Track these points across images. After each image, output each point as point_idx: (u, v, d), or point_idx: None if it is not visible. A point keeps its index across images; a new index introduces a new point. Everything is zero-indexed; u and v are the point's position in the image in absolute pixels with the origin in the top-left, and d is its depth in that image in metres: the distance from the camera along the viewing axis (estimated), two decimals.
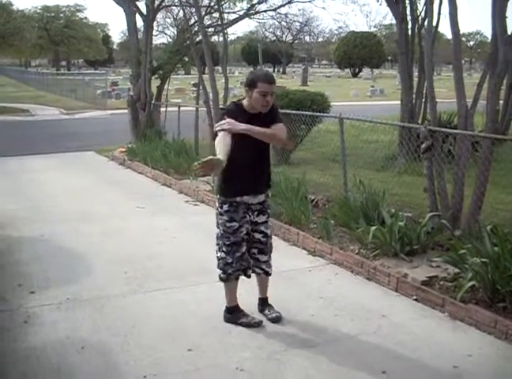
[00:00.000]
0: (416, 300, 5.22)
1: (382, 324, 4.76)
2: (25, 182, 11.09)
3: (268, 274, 4.82)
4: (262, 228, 4.68)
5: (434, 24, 8.28)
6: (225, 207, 4.56)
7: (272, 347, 4.37)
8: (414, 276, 5.43)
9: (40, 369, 4.08)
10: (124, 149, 13.80)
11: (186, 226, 7.82)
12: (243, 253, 4.59)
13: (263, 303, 4.96)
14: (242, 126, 4.30)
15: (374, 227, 6.14)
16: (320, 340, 4.50)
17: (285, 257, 6.41)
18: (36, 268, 6.14)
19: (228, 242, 4.56)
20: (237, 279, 4.70)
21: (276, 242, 6.84)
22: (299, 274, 6.00)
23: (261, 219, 4.67)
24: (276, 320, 4.78)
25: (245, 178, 4.50)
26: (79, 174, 12.00)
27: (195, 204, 9.12)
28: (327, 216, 7.06)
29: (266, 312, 4.88)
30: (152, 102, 14.60)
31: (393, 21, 12.53)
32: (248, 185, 4.55)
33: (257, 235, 4.67)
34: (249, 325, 4.66)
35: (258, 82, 4.36)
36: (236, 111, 4.46)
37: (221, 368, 4.09)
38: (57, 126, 22.27)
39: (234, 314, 4.75)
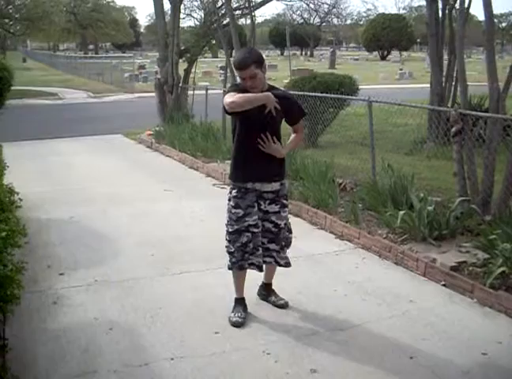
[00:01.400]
0: (444, 285, 5.17)
1: (410, 309, 4.73)
2: (54, 165, 11.19)
3: (278, 264, 4.64)
4: (273, 218, 4.47)
5: (466, 5, 8.11)
6: (234, 192, 4.44)
7: (299, 331, 4.37)
8: (443, 261, 5.37)
9: (69, 349, 4.13)
10: (151, 132, 13.85)
11: (213, 209, 7.82)
12: (244, 244, 4.38)
13: (267, 289, 4.84)
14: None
15: (402, 212, 6.08)
16: (348, 324, 4.48)
17: (312, 240, 6.38)
18: (65, 250, 6.21)
19: (231, 230, 4.43)
20: (241, 269, 4.50)
21: (303, 225, 6.88)
22: (327, 258, 5.97)
23: (273, 208, 4.47)
24: (284, 306, 4.70)
25: (256, 164, 4.35)
26: (107, 157, 12.07)
27: (222, 187, 9.10)
28: (355, 200, 7.02)
29: (273, 298, 4.78)
30: (180, 85, 14.59)
31: (423, 3, 12.35)
32: (260, 172, 4.37)
33: (268, 225, 4.48)
34: (229, 320, 4.48)
35: (235, 70, 4.31)
36: (241, 88, 4.27)
37: (248, 351, 4.09)
38: (85, 109, 22.43)
39: (234, 304, 4.62)
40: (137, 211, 7.73)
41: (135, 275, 5.49)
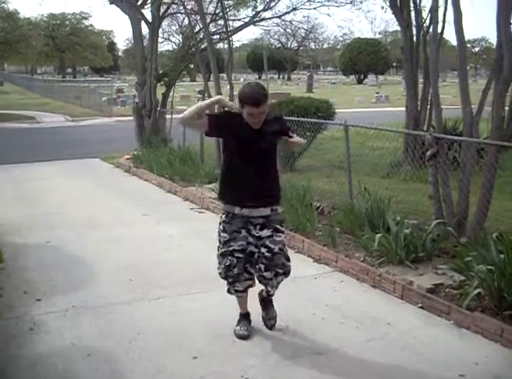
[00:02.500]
0: (421, 308, 5.21)
1: (388, 332, 4.76)
2: (31, 189, 11.12)
3: (268, 294, 4.72)
4: (267, 242, 4.40)
5: (439, 30, 8.28)
6: (223, 216, 4.48)
7: (278, 355, 4.37)
8: (419, 284, 5.42)
9: (46, 375, 4.09)
10: (129, 156, 13.84)
11: (191, 233, 7.82)
12: (228, 267, 4.43)
13: (263, 303, 4.84)
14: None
15: (379, 235, 6.14)
16: (326, 348, 4.49)
17: (291, 264, 6.39)
18: (42, 275, 6.15)
19: (218, 253, 4.51)
20: (229, 293, 4.66)
21: None
22: (305, 281, 5.99)
23: (266, 233, 4.40)
24: (269, 326, 4.76)
25: (246, 188, 4.34)
26: (84, 182, 12.02)
27: (200, 212, 9.12)
28: (332, 224, 7.06)
29: (263, 314, 4.82)
30: (158, 109, 14.64)
31: (398, 28, 12.56)
32: (249, 197, 4.34)
33: (263, 250, 4.41)
34: (234, 333, 4.63)
35: (246, 104, 4.19)
36: (236, 118, 4.30)
37: (226, 376, 4.08)
38: (62, 133, 22.35)
39: (238, 319, 4.73)
40: (114, 235, 7.70)
41: (113, 301, 5.46)
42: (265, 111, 4.28)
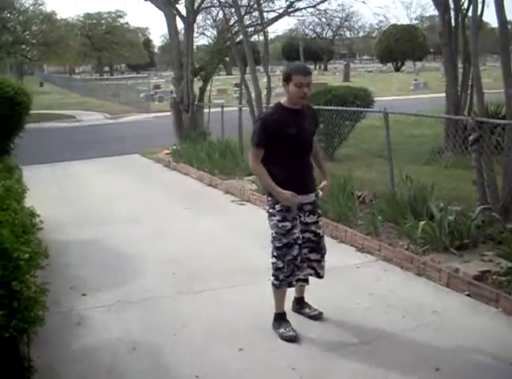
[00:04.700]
0: (468, 295, 5.11)
1: (434, 320, 4.69)
2: (73, 187, 11.28)
3: (319, 276, 4.70)
4: (313, 228, 4.57)
5: (479, 12, 8.09)
6: (277, 207, 4.43)
7: (324, 345, 4.34)
8: (465, 271, 5.32)
9: (93, 370, 4.14)
10: (169, 151, 13.92)
11: (232, 226, 7.82)
12: (295, 257, 4.41)
13: (300, 302, 4.88)
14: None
15: (423, 222, 6.05)
16: (372, 337, 4.44)
17: (333, 254, 6.31)
18: (87, 271, 6.23)
19: (280, 244, 4.42)
20: (290, 286, 4.55)
21: None
22: (348, 271, 5.94)
23: (312, 219, 4.56)
24: (318, 317, 4.75)
25: (296, 177, 4.44)
26: (125, 177, 12.14)
27: (241, 204, 9.12)
28: (374, 212, 6.99)
29: (307, 310, 4.82)
30: (195, 103, 14.68)
31: (435, 13, 12.33)
32: (300, 184, 4.45)
33: (308, 235, 4.55)
34: (282, 337, 4.45)
35: (293, 75, 4.34)
36: (274, 113, 4.47)
37: (273, 367, 4.07)
38: (102, 131, 22.62)
39: (277, 321, 4.59)
40: (156, 230, 7.76)
41: (157, 295, 5.50)
42: (311, 88, 4.44)
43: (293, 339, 4.40)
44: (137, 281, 5.91)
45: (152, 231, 7.69)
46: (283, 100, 4.50)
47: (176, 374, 4.03)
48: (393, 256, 6.08)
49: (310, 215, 4.56)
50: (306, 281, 4.63)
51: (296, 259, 4.43)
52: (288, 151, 4.40)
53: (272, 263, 4.49)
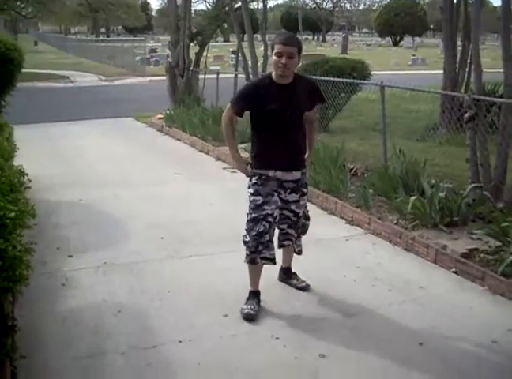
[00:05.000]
0: (455, 272, 5.12)
1: (420, 296, 4.70)
2: (64, 148, 11.19)
3: (295, 250, 4.70)
4: (293, 207, 4.41)
5: None
6: (254, 179, 4.33)
7: (309, 316, 4.35)
8: (453, 248, 5.32)
9: (78, 330, 4.13)
10: (162, 116, 13.82)
11: (223, 192, 7.80)
12: (260, 233, 4.23)
13: (287, 272, 4.82)
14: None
15: (413, 198, 6.03)
16: (357, 310, 4.45)
17: (323, 225, 6.35)
18: (74, 232, 6.21)
19: (249, 218, 4.29)
20: (252, 263, 4.35)
21: (313, 210, 6.79)
22: (337, 243, 5.94)
23: (293, 197, 4.40)
24: (306, 288, 4.71)
25: (278, 152, 4.27)
26: (117, 140, 12.05)
27: (233, 171, 9.06)
28: (366, 185, 6.97)
29: (294, 281, 4.78)
30: (191, 68, 14.54)
31: None
32: (281, 160, 4.29)
33: (287, 213, 4.43)
34: (240, 312, 4.32)
35: (275, 44, 4.14)
36: (260, 85, 4.31)
37: (257, 335, 4.08)
38: (96, 93, 22.42)
39: (247, 298, 4.46)
40: (147, 194, 7.73)
41: (144, 258, 5.49)
42: (294, 58, 4.14)
43: (248, 318, 4.27)
44: (125, 244, 5.89)
45: (143, 195, 7.65)
46: (273, 74, 4.27)
47: (160, 338, 4.03)
48: (382, 230, 6.08)
49: (292, 193, 4.39)
50: (271, 261, 4.37)
51: (261, 236, 4.25)
52: (269, 126, 4.26)
53: (242, 235, 4.37)
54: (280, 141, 4.27)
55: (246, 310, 4.33)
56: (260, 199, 4.28)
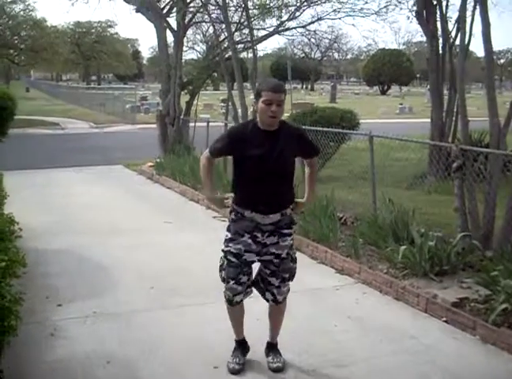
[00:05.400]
0: (445, 322, 5.12)
1: (412, 346, 4.68)
2: (54, 195, 11.17)
3: (277, 301, 4.27)
4: (273, 250, 4.12)
5: (466, 41, 8.18)
6: (232, 214, 4.19)
7: (300, 366, 4.31)
8: (444, 297, 5.32)
9: None
10: (152, 164, 13.87)
11: (213, 241, 7.75)
12: (221, 267, 4.17)
13: (270, 347, 4.43)
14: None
15: (403, 247, 6.06)
16: (350, 360, 4.42)
17: (313, 275, 6.35)
18: (64, 281, 6.16)
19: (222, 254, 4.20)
20: (232, 304, 4.22)
21: (304, 259, 6.83)
22: (327, 293, 5.93)
23: (272, 240, 4.11)
24: (277, 370, 4.24)
25: (257, 195, 4.05)
26: (107, 188, 12.06)
27: (223, 220, 9.06)
28: (355, 235, 6.99)
29: (269, 359, 4.34)
30: (181, 117, 14.67)
31: (422, 39, 12.47)
32: (260, 206, 4.05)
33: (268, 257, 4.14)
34: (227, 368, 4.23)
35: (263, 91, 3.95)
36: (243, 130, 4.14)
37: None
38: (86, 140, 22.51)
39: (233, 350, 4.36)
40: (136, 242, 7.70)
41: (134, 308, 5.44)
42: (282, 105, 4.00)
43: (233, 372, 4.18)
44: (115, 293, 5.85)
45: (132, 244, 7.63)
46: (259, 119, 4.11)
47: None
48: (372, 279, 6.08)
49: (271, 236, 4.10)
50: (235, 297, 4.19)
51: (221, 270, 4.19)
52: (249, 172, 4.05)
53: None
54: (260, 189, 4.04)
55: (232, 365, 4.24)
56: (228, 235, 4.18)
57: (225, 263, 4.16)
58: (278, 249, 4.14)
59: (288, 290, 4.31)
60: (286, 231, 4.17)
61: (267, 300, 4.32)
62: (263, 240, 4.11)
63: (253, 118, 4.30)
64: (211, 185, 4.45)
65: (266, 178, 4.03)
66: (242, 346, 4.39)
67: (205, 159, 4.30)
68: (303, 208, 4.48)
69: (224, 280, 4.20)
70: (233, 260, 4.11)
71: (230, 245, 4.13)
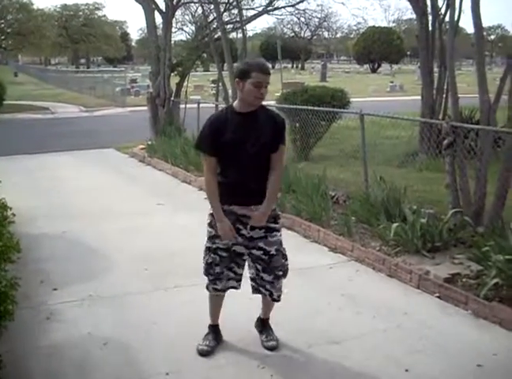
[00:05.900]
0: (438, 297, 5.17)
1: (405, 322, 4.73)
2: (45, 179, 11.15)
3: (272, 297, 4.22)
4: (261, 244, 4.05)
5: (456, 18, 8.17)
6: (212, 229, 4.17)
7: (294, 345, 4.35)
8: (436, 273, 5.38)
9: (63, 365, 4.10)
10: (144, 146, 13.84)
11: (205, 223, 7.80)
12: (210, 265, 4.18)
13: (262, 325, 4.45)
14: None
15: (395, 224, 6.11)
16: (343, 337, 4.47)
17: (306, 253, 6.39)
18: (58, 265, 6.18)
19: (204, 247, 4.23)
20: (207, 289, 4.30)
21: (296, 238, 6.88)
22: (320, 271, 5.97)
23: (258, 233, 4.04)
24: (271, 348, 4.26)
25: (236, 185, 3.99)
26: (99, 171, 12.04)
27: None
28: (348, 213, 7.03)
29: (263, 338, 4.37)
30: (172, 99, 14.62)
31: (412, 16, 12.44)
32: (238, 194, 4.00)
33: (256, 252, 4.08)
34: (197, 349, 4.24)
35: (253, 72, 3.79)
36: (221, 119, 4.01)
37: (244, 365, 4.08)
38: (76, 124, 22.39)
39: (206, 334, 4.36)
40: (129, 225, 7.71)
41: (129, 290, 5.47)
42: (267, 89, 3.92)
43: (202, 353, 4.20)
44: (109, 276, 5.88)
45: (125, 226, 7.64)
46: (235, 103, 4.02)
47: (147, 371, 4.02)
48: (365, 256, 6.13)
49: (255, 229, 4.03)
50: (223, 291, 4.27)
51: (211, 267, 4.19)
52: (229, 158, 3.97)
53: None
54: (240, 173, 3.96)
55: (200, 347, 4.25)
56: (212, 231, 4.16)
57: (217, 259, 4.15)
58: (266, 245, 4.07)
59: (281, 287, 4.24)
60: (272, 225, 4.10)
61: (264, 295, 4.28)
62: (248, 233, 4.06)
63: (229, 104, 4.20)
64: (221, 210, 4.09)
65: (247, 164, 3.95)
66: (215, 331, 4.40)
67: (209, 172, 4.08)
68: (258, 223, 4.03)
69: (210, 275, 4.22)
70: (225, 254, 4.14)
71: (217, 241, 4.13)
